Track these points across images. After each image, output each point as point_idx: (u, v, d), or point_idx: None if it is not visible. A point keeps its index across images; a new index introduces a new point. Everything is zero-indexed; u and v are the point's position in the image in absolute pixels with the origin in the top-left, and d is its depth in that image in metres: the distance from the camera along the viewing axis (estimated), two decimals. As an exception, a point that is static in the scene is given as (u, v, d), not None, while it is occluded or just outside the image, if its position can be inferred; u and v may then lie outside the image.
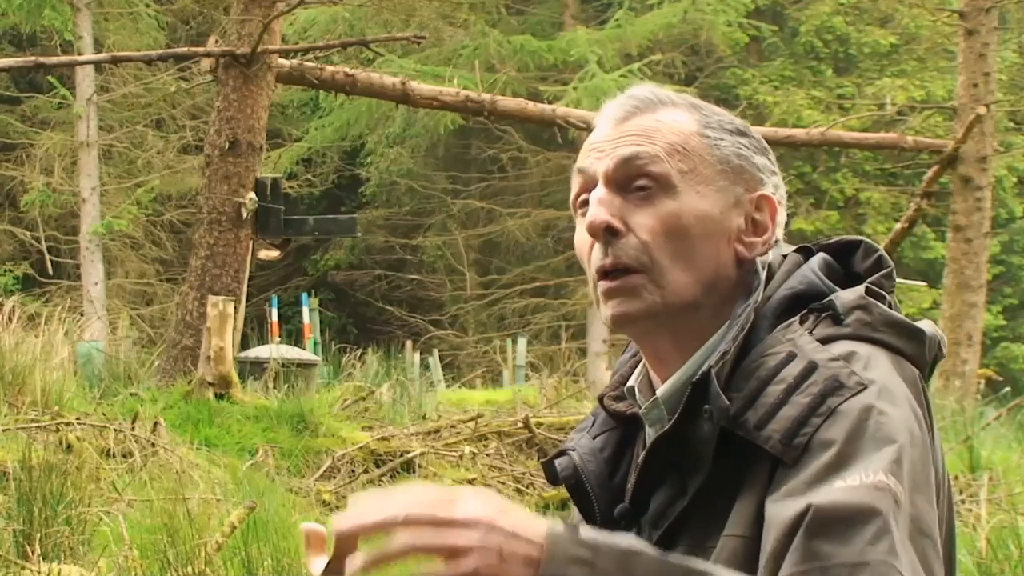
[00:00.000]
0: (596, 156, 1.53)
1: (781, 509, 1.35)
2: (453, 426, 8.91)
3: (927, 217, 18.95)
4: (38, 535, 5.25)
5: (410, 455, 8.10)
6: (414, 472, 8.04)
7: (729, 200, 1.52)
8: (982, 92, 14.48)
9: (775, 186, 1.57)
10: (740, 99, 22.62)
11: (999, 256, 22.63)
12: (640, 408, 1.56)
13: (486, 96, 12.97)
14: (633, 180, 1.51)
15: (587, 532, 1.30)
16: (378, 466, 8.08)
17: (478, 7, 22.91)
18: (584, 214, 1.53)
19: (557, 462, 1.59)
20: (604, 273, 1.51)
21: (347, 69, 12.54)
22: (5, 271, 19.77)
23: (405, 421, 9.17)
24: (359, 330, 23.24)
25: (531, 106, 13.11)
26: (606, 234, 1.50)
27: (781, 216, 1.57)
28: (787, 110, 23.00)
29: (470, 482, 8.13)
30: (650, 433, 1.54)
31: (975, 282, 14.41)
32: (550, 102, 16.04)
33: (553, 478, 1.59)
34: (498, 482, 8.19)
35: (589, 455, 1.58)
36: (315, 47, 13.85)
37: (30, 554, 5.15)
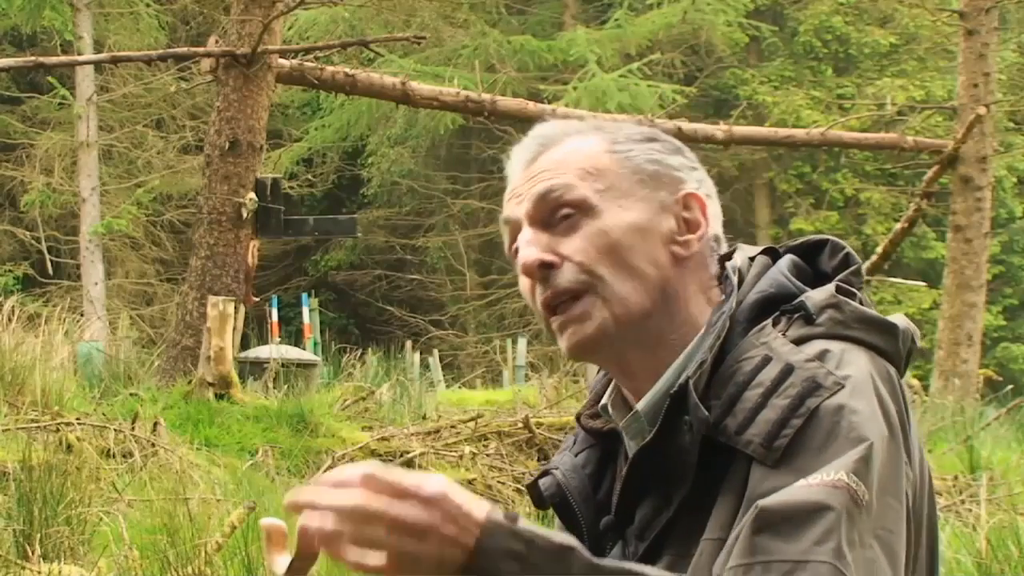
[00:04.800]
0: (516, 203, 1.55)
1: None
2: (453, 426, 8.91)
3: (927, 217, 18.97)
4: (38, 535, 5.25)
5: (410, 455, 8.10)
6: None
7: (654, 206, 1.53)
8: (982, 92, 14.48)
9: (698, 181, 1.58)
10: (740, 99, 22.61)
11: (999, 256, 22.62)
12: (618, 424, 1.57)
13: (486, 96, 12.98)
14: (554, 213, 1.51)
15: (524, 524, 1.29)
16: (378, 466, 8.07)
17: (478, 7, 22.91)
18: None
19: (541, 482, 1.59)
20: (551, 308, 1.51)
21: (347, 69, 12.54)
22: (5, 271, 19.77)
23: (405, 421, 9.16)
24: (359, 330, 23.24)
25: (531, 106, 13.11)
26: (542, 271, 1.51)
27: (713, 209, 1.58)
28: (787, 110, 23.00)
29: (470, 482, 8.13)
30: (631, 446, 1.54)
31: (975, 282, 14.41)
32: (550, 102, 16.05)
33: (539, 501, 1.59)
34: (498, 482, 8.19)
35: (572, 472, 1.59)
36: (315, 47, 13.85)
37: (30, 554, 5.14)
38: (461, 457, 8.38)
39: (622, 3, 22.18)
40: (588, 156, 1.54)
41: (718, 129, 14.07)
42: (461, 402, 11.33)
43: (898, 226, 12.37)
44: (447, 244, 23.89)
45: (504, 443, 8.67)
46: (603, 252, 1.50)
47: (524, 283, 1.54)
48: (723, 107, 23.31)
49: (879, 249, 12.23)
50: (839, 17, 24.72)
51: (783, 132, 15.90)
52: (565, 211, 1.51)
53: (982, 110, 13.99)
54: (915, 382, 13.41)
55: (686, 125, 14.12)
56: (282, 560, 1.42)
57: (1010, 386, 13.94)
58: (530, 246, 1.51)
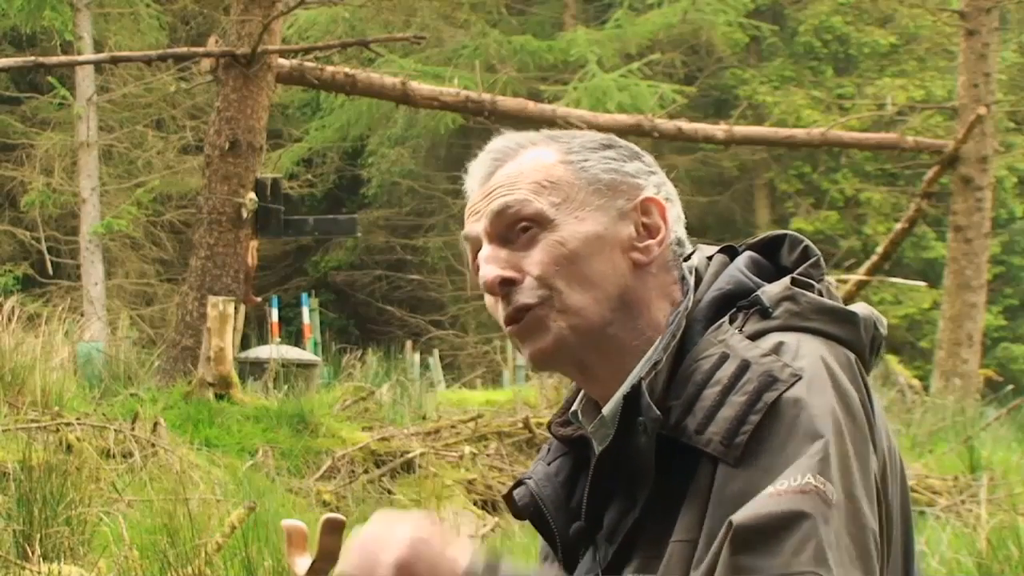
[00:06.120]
0: (474, 220, 1.56)
1: (721, 520, 1.35)
2: (453, 426, 8.91)
3: (927, 217, 18.96)
4: (38, 535, 5.25)
5: (410, 455, 8.10)
6: (414, 472, 8.04)
7: (611, 215, 1.53)
8: (982, 92, 14.48)
9: (656, 186, 1.58)
10: (740, 99, 22.61)
11: (999, 256, 22.61)
12: (586, 430, 1.57)
13: (486, 96, 12.98)
14: (512, 228, 1.53)
15: (507, 568, 1.35)
16: (378, 466, 8.08)
17: (478, 7, 22.91)
18: None
19: (515, 493, 1.60)
20: (511, 320, 1.52)
21: (347, 69, 12.54)
22: (5, 271, 19.76)
23: (405, 421, 9.17)
24: (359, 330, 23.23)
25: (531, 106, 13.12)
26: (503, 287, 1.52)
27: (674, 212, 1.58)
28: (787, 110, 22.99)
29: (470, 482, 8.13)
30: (598, 451, 1.54)
31: (975, 282, 14.41)
32: (550, 102, 16.05)
33: (516, 511, 1.61)
34: (498, 482, 8.19)
35: (544, 481, 1.59)
36: (315, 47, 13.85)
37: (30, 554, 5.14)
38: (461, 457, 8.38)
39: (622, 3, 22.17)
40: (542, 169, 1.54)
41: (718, 129, 14.06)
42: (461, 402, 11.33)
43: (898, 226, 12.37)
44: (447, 244, 23.88)
45: (504, 443, 8.67)
46: (560, 264, 1.50)
47: (489, 299, 1.55)
48: (723, 107, 23.30)
49: (879, 249, 12.22)
50: (839, 17, 24.71)
51: (783, 132, 15.89)
52: (523, 225, 1.52)
53: (982, 110, 13.98)
54: (916, 382, 13.43)
55: (686, 125, 14.12)
56: (303, 561, 1.42)
57: (1010, 386, 13.93)
58: (489, 263, 1.53)
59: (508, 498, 1.61)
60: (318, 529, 1.41)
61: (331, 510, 7.30)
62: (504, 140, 1.59)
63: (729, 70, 24.66)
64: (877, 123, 21.06)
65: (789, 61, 25.00)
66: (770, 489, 1.33)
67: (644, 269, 1.53)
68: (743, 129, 14.99)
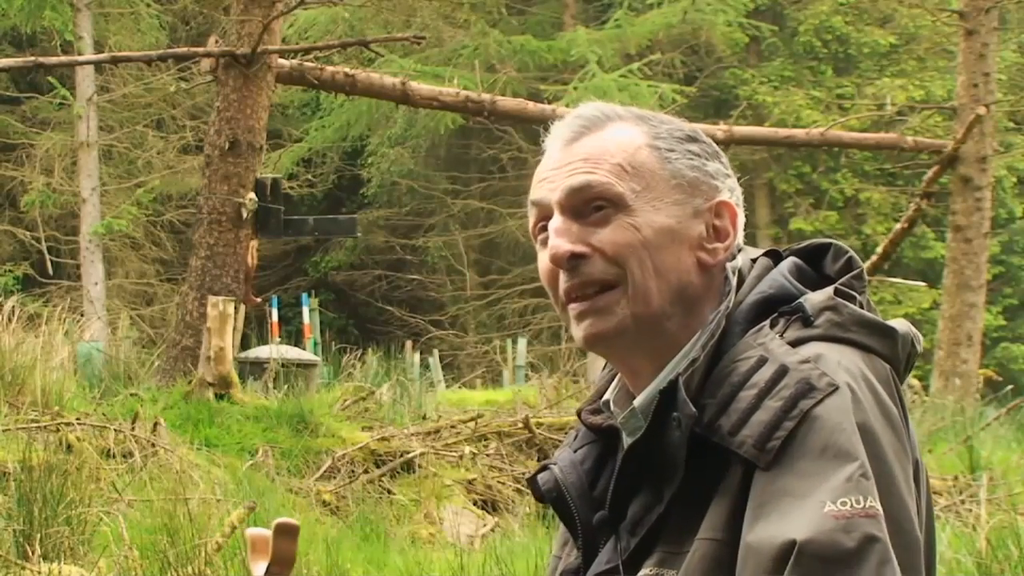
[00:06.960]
0: (548, 187, 1.55)
1: (764, 529, 1.35)
2: (453, 426, 8.90)
3: (927, 217, 18.97)
4: (38, 535, 5.25)
5: (410, 455, 8.10)
6: (414, 472, 8.04)
7: (687, 211, 1.54)
8: (982, 92, 14.48)
9: (731, 189, 1.59)
10: (740, 99, 22.61)
11: (999, 256, 22.62)
12: (616, 420, 1.57)
13: (486, 96, 12.98)
14: (587, 204, 1.52)
15: None
16: (378, 466, 8.08)
17: (478, 7, 22.91)
18: (544, 241, 1.54)
19: (540, 477, 1.60)
20: (573, 296, 1.52)
21: (347, 69, 12.54)
22: (5, 271, 19.76)
23: (405, 421, 9.16)
24: (359, 330, 23.23)
25: (531, 106, 13.11)
26: (571, 262, 1.51)
27: (740, 218, 1.59)
28: (787, 110, 22.99)
29: (470, 482, 8.13)
30: (627, 442, 1.55)
31: (975, 282, 14.41)
32: (550, 102, 16.04)
33: (539, 495, 1.61)
34: (498, 482, 8.19)
35: (569, 467, 1.59)
36: (315, 47, 13.85)
37: (30, 554, 5.14)
38: (461, 457, 8.38)
39: (622, 3, 22.18)
40: (628, 150, 1.54)
41: (718, 129, 14.06)
42: (461, 402, 11.33)
43: (898, 226, 12.36)
44: (447, 244, 23.89)
45: (504, 443, 8.67)
46: (633, 249, 1.50)
47: (546, 268, 1.54)
48: (723, 107, 23.30)
49: (879, 249, 12.22)
50: (839, 17, 24.72)
51: (783, 132, 15.90)
52: (598, 203, 1.52)
53: (982, 110, 13.99)
54: (915, 382, 13.42)
55: (686, 125, 14.11)
56: (260, 566, 1.42)
57: (1010, 386, 13.94)
58: (560, 236, 1.52)
59: (532, 481, 1.61)
60: (271, 533, 1.40)
61: (331, 510, 7.31)
62: (592, 108, 1.58)
63: (729, 70, 24.66)
64: (877, 123, 21.06)
65: (789, 61, 24.99)
66: (831, 508, 1.33)
67: (707, 270, 1.54)
68: (743, 129, 14.98)
